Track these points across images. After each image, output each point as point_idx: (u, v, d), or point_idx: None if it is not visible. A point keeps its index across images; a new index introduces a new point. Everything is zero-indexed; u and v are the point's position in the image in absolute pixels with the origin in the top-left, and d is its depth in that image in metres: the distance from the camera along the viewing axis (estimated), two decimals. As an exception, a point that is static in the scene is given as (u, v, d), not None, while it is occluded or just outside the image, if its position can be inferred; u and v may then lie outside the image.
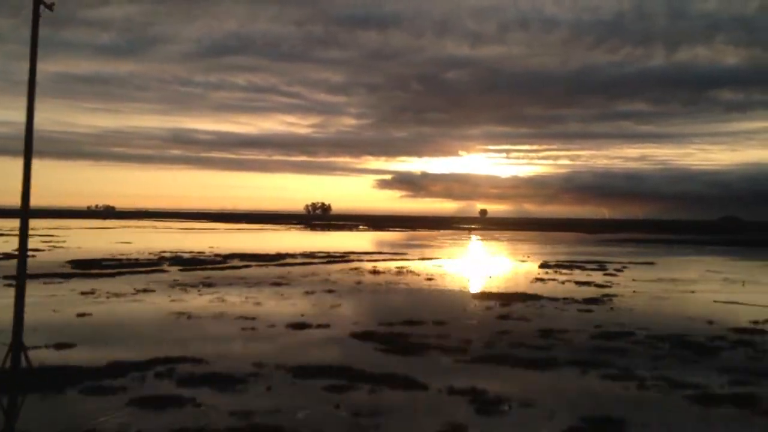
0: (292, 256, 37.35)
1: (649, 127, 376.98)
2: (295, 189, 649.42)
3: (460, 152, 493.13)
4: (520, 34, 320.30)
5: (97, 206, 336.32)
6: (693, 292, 22.90)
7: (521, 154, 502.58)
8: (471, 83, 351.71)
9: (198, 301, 18.43)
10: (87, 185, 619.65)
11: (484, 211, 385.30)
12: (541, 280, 26.31)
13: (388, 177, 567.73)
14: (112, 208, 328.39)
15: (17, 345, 8.95)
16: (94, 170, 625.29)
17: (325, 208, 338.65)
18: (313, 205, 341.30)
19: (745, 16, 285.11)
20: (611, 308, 18.51)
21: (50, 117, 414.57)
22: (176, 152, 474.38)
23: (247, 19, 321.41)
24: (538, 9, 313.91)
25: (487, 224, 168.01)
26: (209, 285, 22.42)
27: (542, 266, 33.23)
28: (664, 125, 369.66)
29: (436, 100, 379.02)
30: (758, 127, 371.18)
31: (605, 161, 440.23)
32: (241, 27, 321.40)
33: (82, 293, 19.52)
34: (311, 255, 38.57)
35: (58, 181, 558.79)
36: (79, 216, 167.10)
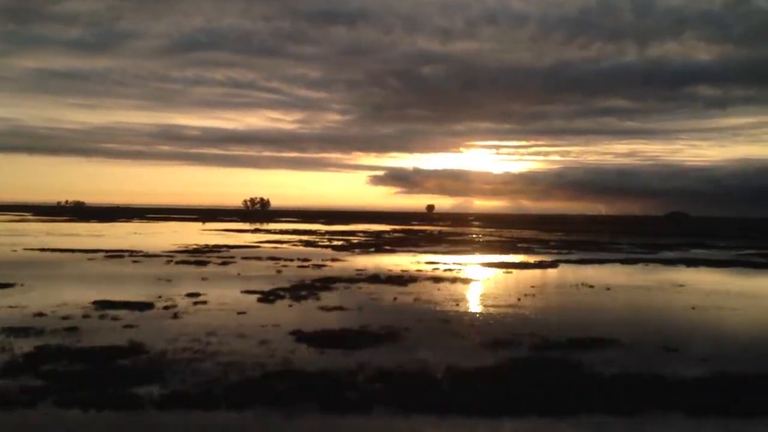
0: None
1: (634, 123, 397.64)
2: (291, 185, 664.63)
3: (451, 149, 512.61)
4: (489, 29, 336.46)
5: (66, 202, 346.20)
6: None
7: (511, 150, 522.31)
8: (448, 79, 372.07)
9: None
10: (78, 181, 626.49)
11: (431, 207, 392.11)
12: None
13: (381, 173, 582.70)
14: (82, 203, 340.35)
15: None
16: (86, 166, 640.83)
17: (264, 203, 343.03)
18: (252, 200, 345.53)
19: (711, 12, 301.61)
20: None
21: (36, 113, 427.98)
22: (166, 148, 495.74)
23: (213, 15, 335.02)
24: (504, 4, 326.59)
25: (429, 220, 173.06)
26: None
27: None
28: (648, 121, 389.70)
29: (417, 96, 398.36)
30: (744, 123, 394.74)
31: (596, 157, 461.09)
32: (209, 22, 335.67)
33: None
34: None
35: (49, 177, 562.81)
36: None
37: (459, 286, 25.49)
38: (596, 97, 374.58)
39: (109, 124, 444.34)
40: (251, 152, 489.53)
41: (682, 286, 27.02)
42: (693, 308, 20.77)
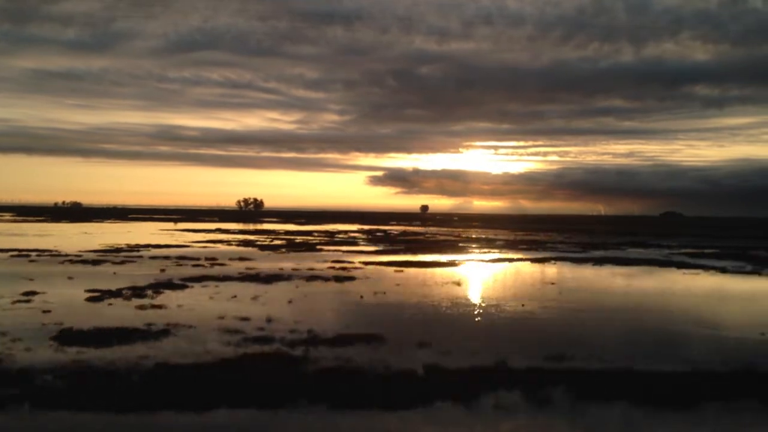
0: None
1: (632, 123, 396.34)
2: (290, 186, 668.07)
3: (450, 149, 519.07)
4: (485, 29, 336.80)
5: (63, 202, 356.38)
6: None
7: (509, 151, 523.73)
8: (446, 79, 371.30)
9: None
10: (77, 182, 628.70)
11: (425, 207, 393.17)
12: None
13: (380, 174, 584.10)
14: (79, 204, 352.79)
15: None
16: (85, 167, 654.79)
17: (258, 204, 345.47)
18: (245, 200, 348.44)
19: (707, 11, 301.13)
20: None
21: (33, 113, 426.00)
22: (164, 149, 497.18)
23: (209, 14, 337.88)
24: (499, 4, 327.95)
25: (410, 220, 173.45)
26: None
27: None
28: (647, 121, 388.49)
29: (415, 96, 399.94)
30: (742, 123, 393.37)
31: (594, 157, 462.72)
32: (205, 22, 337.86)
33: None
34: None
35: (47, 178, 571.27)
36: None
37: (322, 285, 25.62)
38: (594, 97, 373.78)
39: (107, 125, 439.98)
40: (250, 153, 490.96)
41: (552, 284, 27.16)
42: (522, 306, 20.93)
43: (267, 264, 34.26)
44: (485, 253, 46.68)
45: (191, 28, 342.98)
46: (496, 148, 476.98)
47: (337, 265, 33.78)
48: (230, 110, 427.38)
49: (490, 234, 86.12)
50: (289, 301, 20.97)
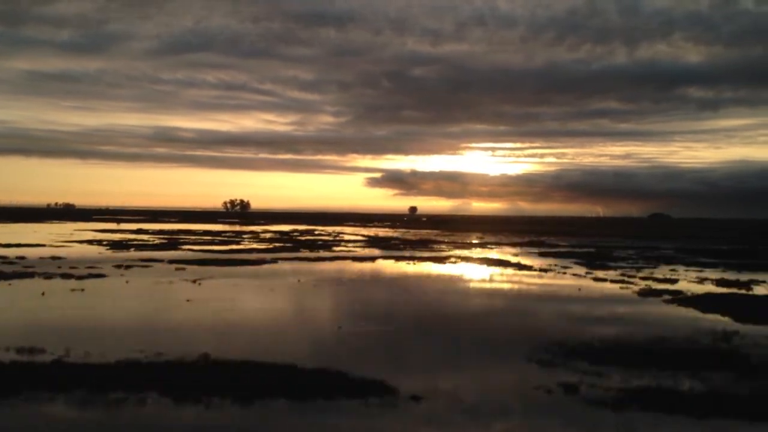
0: None
1: (628, 125, 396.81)
2: (289, 187, 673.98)
3: (447, 150, 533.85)
4: (478, 31, 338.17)
5: (56, 204, 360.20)
6: None
7: (507, 152, 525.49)
8: (440, 80, 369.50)
9: None
10: (74, 183, 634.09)
11: (413, 209, 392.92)
12: None
13: (377, 175, 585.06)
14: (72, 205, 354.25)
15: None
16: (82, 168, 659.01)
17: (244, 205, 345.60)
18: (231, 201, 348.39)
19: (699, 13, 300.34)
20: None
21: (30, 115, 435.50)
22: (162, 150, 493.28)
23: (201, 16, 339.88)
24: (491, 6, 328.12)
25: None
26: None
27: None
28: (642, 123, 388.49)
29: (410, 97, 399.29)
30: (737, 125, 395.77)
31: (592, 159, 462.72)
32: (197, 24, 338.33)
33: None
34: None
35: (44, 179, 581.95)
36: None
37: (42, 282, 25.34)
38: (589, 99, 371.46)
39: (103, 126, 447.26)
40: (246, 154, 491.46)
41: (299, 280, 26.85)
42: (187, 301, 20.64)
43: (55, 265, 33.18)
44: (343, 251, 46.39)
45: (184, 30, 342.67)
46: (493, 149, 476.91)
47: (125, 264, 33.46)
48: (226, 112, 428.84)
49: (415, 235, 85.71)
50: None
